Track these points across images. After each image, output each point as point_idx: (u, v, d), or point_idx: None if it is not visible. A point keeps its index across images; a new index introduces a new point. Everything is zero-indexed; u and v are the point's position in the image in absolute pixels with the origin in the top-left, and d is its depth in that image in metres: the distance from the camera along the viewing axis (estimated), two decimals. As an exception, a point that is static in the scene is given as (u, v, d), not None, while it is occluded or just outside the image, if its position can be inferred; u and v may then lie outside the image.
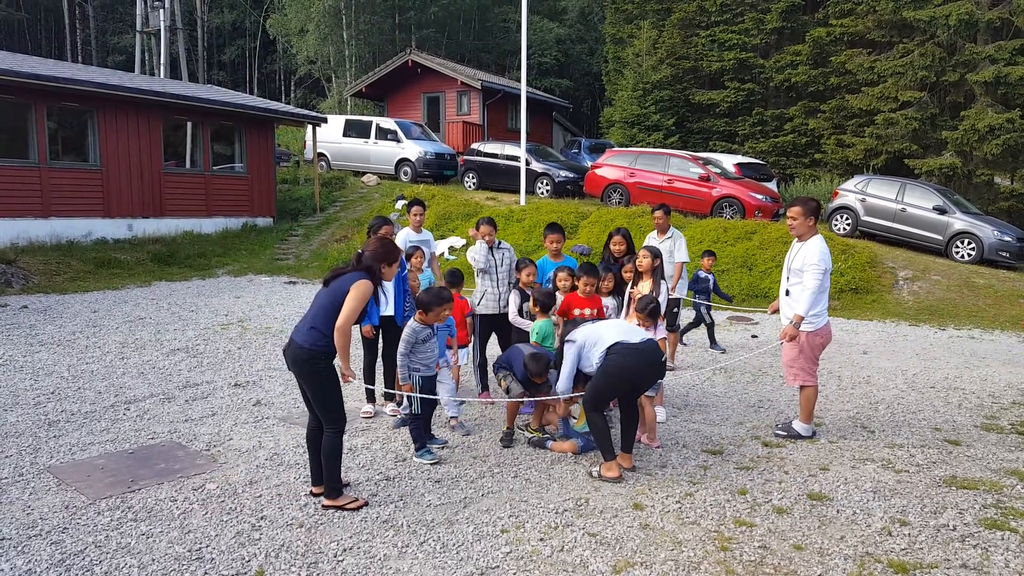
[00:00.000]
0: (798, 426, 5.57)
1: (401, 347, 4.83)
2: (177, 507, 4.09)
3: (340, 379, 4.08)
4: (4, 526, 3.80)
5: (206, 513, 4.02)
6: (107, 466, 4.65)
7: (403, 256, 6.23)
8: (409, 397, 4.83)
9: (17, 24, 45.22)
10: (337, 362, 4.05)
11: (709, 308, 9.19)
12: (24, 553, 3.54)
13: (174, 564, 3.48)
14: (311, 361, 3.97)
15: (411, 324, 4.85)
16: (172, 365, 7.28)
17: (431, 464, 4.80)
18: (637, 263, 5.85)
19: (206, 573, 3.41)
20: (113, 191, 14.58)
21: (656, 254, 5.83)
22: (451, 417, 5.58)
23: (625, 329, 4.78)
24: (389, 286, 5.49)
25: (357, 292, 3.94)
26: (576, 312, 5.62)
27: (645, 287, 5.79)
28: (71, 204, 13.89)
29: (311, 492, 4.26)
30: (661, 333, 5.63)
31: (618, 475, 4.57)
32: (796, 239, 5.49)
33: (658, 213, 7.67)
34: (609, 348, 4.59)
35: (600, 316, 5.63)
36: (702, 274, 9.17)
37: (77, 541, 3.67)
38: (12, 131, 13.36)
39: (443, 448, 5.12)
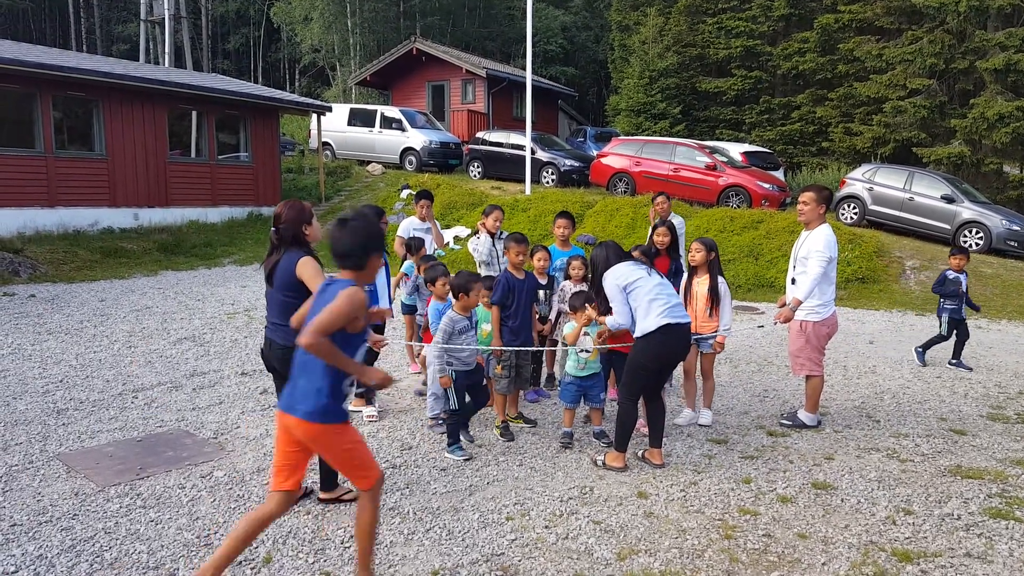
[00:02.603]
0: (803, 415, 5.57)
1: (437, 337, 4.72)
2: (185, 494, 4.12)
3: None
4: (15, 512, 3.85)
5: (214, 500, 4.06)
6: (116, 454, 4.69)
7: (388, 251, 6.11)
8: (445, 392, 4.71)
9: (21, 13, 45.20)
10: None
11: (961, 318, 7.55)
12: (35, 539, 3.58)
13: (183, 550, 3.51)
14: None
15: (449, 314, 4.75)
16: (179, 354, 7.31)
17: (464, 460, 4.70)
18: (690, 257, 5.51)
19: (214, 559, 3.44)
20: (119, 180, 14.59)
21: (711, 246, 5.47)
22: (429, 417, 5.30)
23: (673, 309, 4.51)
24: (381, 287, 5.17)
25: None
26: None
27: (702, 283, 5.46)
28: (77, 193, 13.92)
29: (319, 498, 4.07)
30: (725, 325, 5.40)
31: (623, 464, 4.59)
32: (804, 227, 5.46)
33: (660, 199, 7.32)
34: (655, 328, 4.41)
35: None
36: (951, 274, 7.59)
37: (87, 527, 3.71)
38: (18, 121, 13.38)
39: (473, 443, 5.00)
